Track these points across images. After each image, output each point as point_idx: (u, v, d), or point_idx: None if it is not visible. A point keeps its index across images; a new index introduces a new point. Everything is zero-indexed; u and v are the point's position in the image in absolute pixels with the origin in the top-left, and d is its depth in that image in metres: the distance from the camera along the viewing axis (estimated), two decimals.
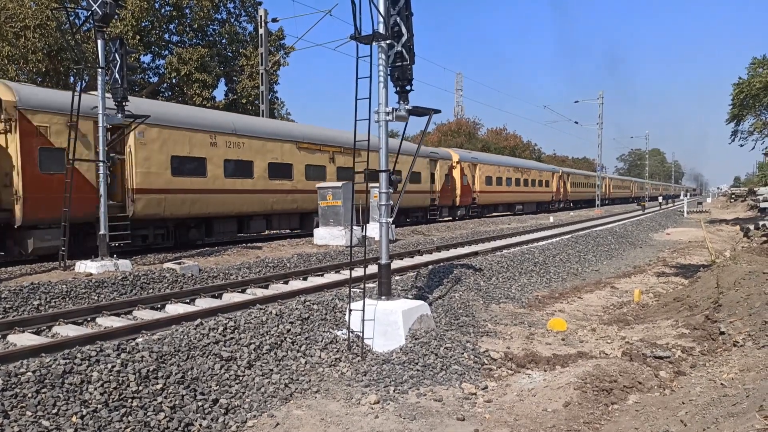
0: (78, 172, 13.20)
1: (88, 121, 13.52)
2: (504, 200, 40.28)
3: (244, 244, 17.59)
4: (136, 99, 16.39)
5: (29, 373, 5.20)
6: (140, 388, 5.48)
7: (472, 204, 35.03)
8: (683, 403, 5.20)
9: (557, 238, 21.07)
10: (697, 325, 8.23)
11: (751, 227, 22.09)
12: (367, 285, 7.93)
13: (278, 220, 20.24)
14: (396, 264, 13.41)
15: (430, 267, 13.01)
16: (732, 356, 6.33)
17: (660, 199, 65.57)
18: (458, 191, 32.86)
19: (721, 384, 5.46)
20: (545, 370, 6.89)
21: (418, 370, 6.73)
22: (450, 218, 32.96)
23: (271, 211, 19.49)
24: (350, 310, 7.76)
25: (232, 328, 7.05)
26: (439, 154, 31.73)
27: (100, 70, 12.58)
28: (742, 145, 36.99)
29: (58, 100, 13.67)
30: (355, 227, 9.32)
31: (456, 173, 32.74)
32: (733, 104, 33.20)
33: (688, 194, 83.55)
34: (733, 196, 76.06)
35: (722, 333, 7.31)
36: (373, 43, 7.66)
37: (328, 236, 18.18)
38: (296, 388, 6.28)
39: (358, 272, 11.49)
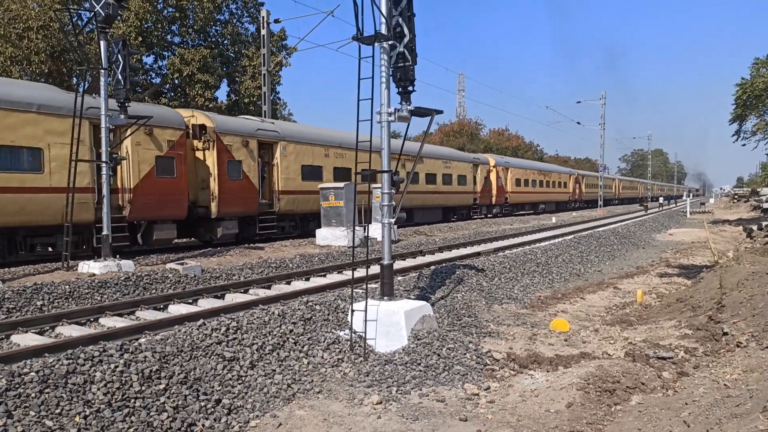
0: (246, 175, 18.20)
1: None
2: (530, 200, 44.99)
3: (246, 245, 17.61)
4: (283, 123, 23.43)
5: (32, 374, 5.21)
6: (143, 388, 5.49)
7: (505, 203, 39.57)
8: (686, 404, 5.19)
9: (560, 239, 21.04)
10: (700, 326, 8.21)
11: (754, 228, 22.04)
12: (369, 285, 7.94)
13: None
14: (398, 264, 13.41)
15: (433, 267, 13.01)
16: (735, 357, 6.31)
17: (661, 200, 63.18)
18: (494, 192, 37.53)
19: (725, 385, 5.45)
20: (548, 371, 6.88)
21: (420, 371, 6.73)
22: (487, 215, 37.34)
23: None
24: (353, 311, 7.76)
25: (234, 328, 7.06)
26: (480, 159, 36.79)
27: (102, 71, 12.62)
28: (744, 145, 36.91)
29: (237, 125, 18.66)
30: (357, 228, 9.34)
31: (492, 176, 37.44)
32: (735, 104, 33.15)
33: (691, 195, 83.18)
34: (736, 196, 75.94)
35: (725, 334, 7.29)
36: (376, 44, 7.66)
37: (331, 237, 18.20)
38: (299, 389, 6.29)
39: (360, 273, 11.50)
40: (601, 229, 26.35)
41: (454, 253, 16.74)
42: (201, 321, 7.21)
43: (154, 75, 33.82)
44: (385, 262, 7.96)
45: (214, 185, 17.22)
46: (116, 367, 5.59)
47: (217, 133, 17.36)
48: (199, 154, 17.42)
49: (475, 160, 35.64)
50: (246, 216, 18.56)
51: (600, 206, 51.80)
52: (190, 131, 16.94)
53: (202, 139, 17.17)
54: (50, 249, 13.88)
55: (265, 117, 25.56)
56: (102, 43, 12.57)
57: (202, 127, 17.15)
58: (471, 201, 34.39)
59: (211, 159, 17.31)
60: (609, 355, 7.54)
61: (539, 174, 46.52)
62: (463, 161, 33.82)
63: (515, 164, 42.52)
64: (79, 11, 22.60)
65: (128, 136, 14.07)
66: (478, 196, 35.13)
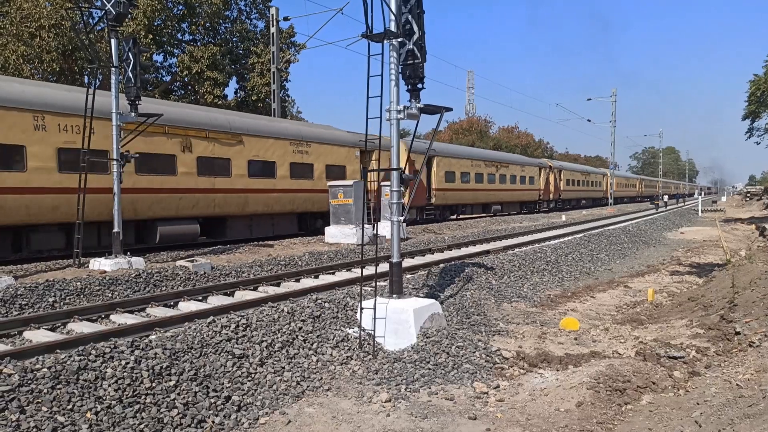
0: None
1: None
2: (576, 197, 54.18)
3: (255, 242, 17.66)
4: (439, 144, 32.42)
5: (45, 370, 5.25)
6: (153, 384, 5.52)
7: (558, 199, 48.65)
8: (698, 404, 5.15)
9: (569, 237, 20.93)
10: (711, 325, 8.14)
11: (767, 226, 21.80)
12: (378, 283, 7.93)
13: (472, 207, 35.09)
14: (407, 262, 13.40)
15: (442, 266, 12.98)
16: (748, 357, 6.25)
17: (666, 198, 59.51)
18: (552, 189, 46.36)
19: (737, 385, 5.39)
20: (558, 370, 6.85)
21: (429, 369, 6.72)
22: (547, 210, 46.03)
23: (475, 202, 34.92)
24: (362, 309, 7.76)
25: (244, 325, 7.09)
26: (542, 163, 46.56)
27: (113, 69, 12.68)
28: (758, 143, 36.52)
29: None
30: (366, 226, 9.34)
31: (551, 177, 46.42)
32: (748, 101, 32.80)
33: (702, 193, 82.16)
34: (748, 194, 75.17)
35: (738, 333, 7.22)
36: (385, 42, 7.64)
37: (340, 234, 18.21)
38: (308, 386, 6.30)
39: (369, 270, 11.50)
40: (611, 227, 26.18)
41: (464, 251, 16.70)
42: (211, 318, 7.24)
43: (164, 73, 34.02)
44: (394, 260, 7.95)
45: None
46: (127, 363, 5.63)
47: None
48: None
49: (541, 163, 45.65)
50: (419, 207, 28.35)
51: (610, 204, 51.62)
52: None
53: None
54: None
55: (274, 115, 25.62)
56: (113, 41, 12.64)
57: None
58: (536, 197, 43.69)
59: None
60: (619, 354, 7.49)
61: (582, 175, 55.82)
62: (531, 165, 43.51)
63: (566, 167, 52.10)
64: (90, 10, 22.77)
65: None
66: (542, 193, 44.40)
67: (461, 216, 34.26)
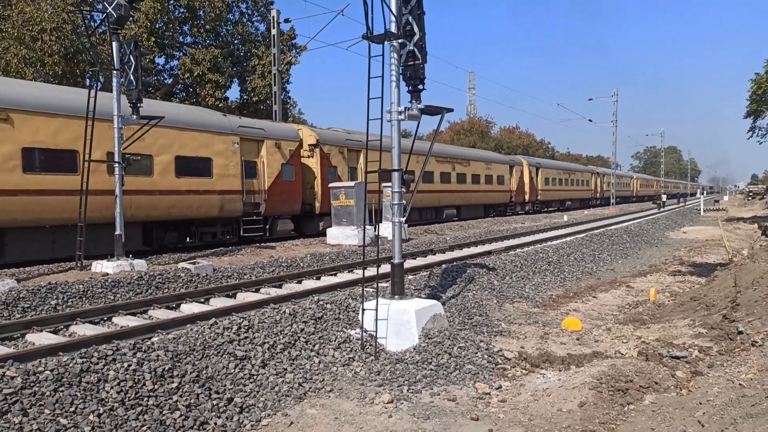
0: (340, 177, 21.82)
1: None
2: (557, 197, 48.35)
3: (257, 244, 17.68)
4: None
5: (47, 372, 5.26)
6: (156, 386, 5.53)
7: (536, 201, 43.57)
8: (701, 404, 5.14)
9: (571, 237, 20.91)
10: (714, 325, 8.12)
11: None
12: (380, 284, 7.93)
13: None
14: (409, 263, 13.39)
15: (444, 266, 12.98)
16: (750, 356, 6.24)
17: (663, 197, 59.18)
18: (527, 190, 41.68)
19: (740, 384, 5.38)
20: (560, 370, 6.84)
21: (431, 370, 6.72)
22: (523, 212, 42.08)
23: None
24: (363, 310, 7.76)
25: (246, 327, 7.09)
26: (514, 160, 41.01)
27: (115, 72, 12.71)
28: (760, 143, 36.44)
29: (334, 136, 22.49)
30: (367, 227, 9.34)
31: (527, 175, 41.43)
32: (750, 100, 32.75)
33: (705, 192, 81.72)
34: (750, 194, 75.01)
35: (740, 333, 7.21)
36: (385, 43, 7.65)
37: (341, 236, 18.21)
38: (310, 387, 6.30)
39: (371, 272, 11.50)
40: (613, 227, 26.15)
41: (465, 251, 16.69)
42: (213, 320, 7.25)
43: (166, 75, 34.07)
44: (396, 260, 7.95)
45: (317, 187, 21.17)
46: (129, 365, 5.63)
47: (320, 144, 21.17)
48: (305, 161, 21.00)
49: (512, 161, 40.09)
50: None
51: (612, 204, 51.54)
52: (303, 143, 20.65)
53: (309, 149, 21.12)
54: (212, 237, 17.41)
55: (275, 117, 25.64)
56: (114, 44, 12.66)
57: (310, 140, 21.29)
58: (507, 198, 39.11)
59: (316, 166, 21.21)
60: (622, 354, 7.48)
61: (565, 173, 50.28)
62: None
63: (545, 164, 47.06)
64: (92, 13, 22.82)
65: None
66: (514, 194, 39.62)
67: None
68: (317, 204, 21.07)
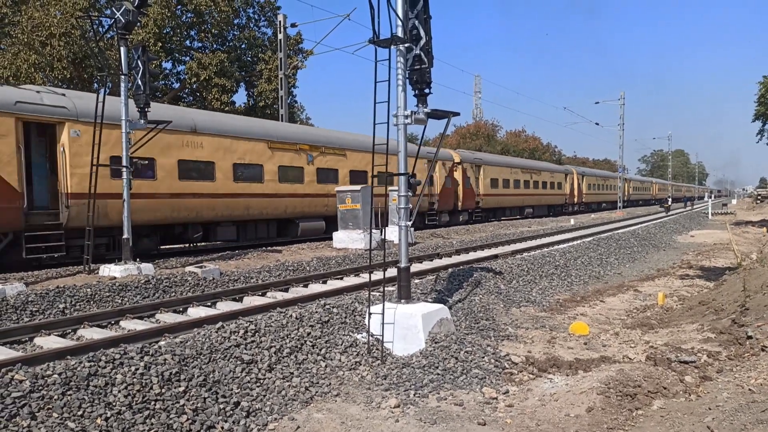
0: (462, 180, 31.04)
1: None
2: (597, 200, 58.64)
3: (264, 248, 17.71)
4: (489, 155, 39.91)
5: (55, 376, 5.29)
6: (163, 390, 5.54)
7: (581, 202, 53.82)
8: (710, 409, 5.09)
9: (578, 241, 20.84)
10: (723, 329, 8.06)
11: None
12: (386, 288, 7.93)
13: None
14: (415, 267, 13.38)
15: (450, 270, 12.96)
16: (760, 361, 6.19)
17: (669, 201, 55.10)
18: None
19: (749, 389, 5.34)
20: (567, 375, 6.81)
21: (438, 374, 6.70)
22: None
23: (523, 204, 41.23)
24: (370, 314, 7.76)
25: (252, 331, 7.10)
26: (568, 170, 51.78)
27: (123, 76, 12.79)
28: None
29: (467, 156, 33.10)
30: (374, 230, 9.34)
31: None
32: (758, 102, 32.56)
33: (713, 196, 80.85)
34: (759, 197, 74.47)
35: (749, 337, 7.15)
36: (392, 47, 7.66)
37: (347, 239, 18.22)
38: (316, 392, 6.30)
39: (377, 275, 11.49)
40: (620, 231, 26.03)
41: (472, 255, 16.65)
42: (220, 324, 7.26)
43: (173, 80, 34.26)
44: (402, 264, 7.94)
45: (460, 192, 30.89)
46: (137, 369, 5.65)
47: (462, 162, 31.09)
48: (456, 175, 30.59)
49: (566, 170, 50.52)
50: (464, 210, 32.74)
51: (619, 207, 51.38)
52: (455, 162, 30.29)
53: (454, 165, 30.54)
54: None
55: (282, 120, 25.72)
56: (122, 49, 12.75)
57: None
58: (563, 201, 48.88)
59: (459, 176, 30.71)
60: (630, 358, 7.44)
61: (600, 179, 59.95)
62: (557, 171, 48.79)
63: (589, 173, 57.86)
64: (100, 18, 23.00)
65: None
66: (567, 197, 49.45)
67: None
68: (459, 203, 30.81)
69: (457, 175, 31.16)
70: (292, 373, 6.53)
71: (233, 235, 18.16)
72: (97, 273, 12.17)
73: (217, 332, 6.91)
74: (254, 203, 18.39)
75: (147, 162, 14.90)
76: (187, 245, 18.50)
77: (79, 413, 5.00)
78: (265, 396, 6.03)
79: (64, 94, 14.12)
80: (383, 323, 7.40)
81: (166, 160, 15.70)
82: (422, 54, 7.83)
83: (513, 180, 38.81)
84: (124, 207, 12.67)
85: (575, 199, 50.92)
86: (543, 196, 44.52)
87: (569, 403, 5.78)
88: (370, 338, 7.47)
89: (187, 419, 5.29)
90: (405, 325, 7.48)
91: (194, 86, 31.57)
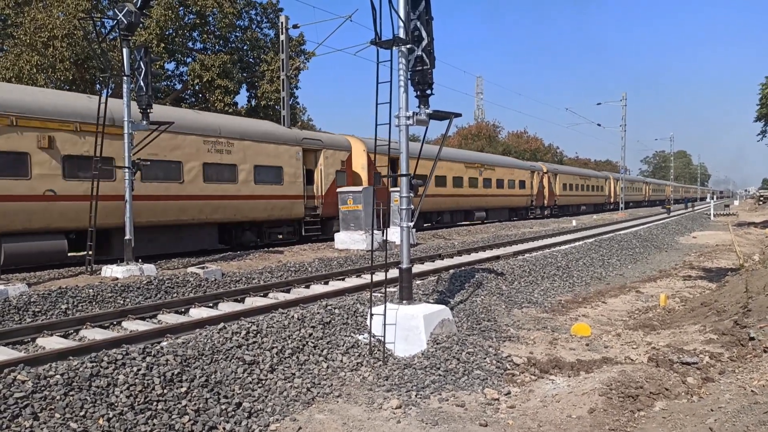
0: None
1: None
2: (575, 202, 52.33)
3: (266, 249, 17.73)
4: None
5: (57, 376, 5.30)
6: (165, 391, 5.55)
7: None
8: (712, 411, 5.09)
9: (580, 242, 20.82)
10: (725, 331, 8.05)
11: None
12: (388, 289, 7.93)
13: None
14: (417, 268, 13.38)
15: (452, 271, 12.95)
16: (762, 362, 6.18)
17: (670, 202, 57.17)
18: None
19: (752, 391, 5.33)
20: (569, 376, 6.80)
21: (440, 375, 6.70)
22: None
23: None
24: (372, 315, 7.76)
25: (254, 332, 7.11)
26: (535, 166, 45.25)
27: (125, 77, 12.82)
28: None
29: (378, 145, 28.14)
30: (375, 231, 9.35)
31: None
32: (761, 103, 32.52)
33: (715, 197, 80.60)
34: (761, 198, 74.30)
35: (752, 339, 7.14)
36: (394, 48, 7.67)
37: (349, 240, 18.23)
38: (318, 392, 6.30)
39: (379, 276, 11.50)
40: (622, 232, 26.00)
41: (473, 256, 16.65)
42: (221, 324, 7.27)
43: (176, 81, 34.33)
44: (404, 265, 7.95)
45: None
46: (139, 370, 5.66)
47: (367, 152, 23.63)
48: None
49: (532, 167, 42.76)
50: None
51: (621, 209, 51.35)
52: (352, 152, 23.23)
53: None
54: (279, 236, 19.67)
55: (284, 122, 25.76)
56: (124, 50, 12.78)
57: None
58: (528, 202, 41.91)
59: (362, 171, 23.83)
60: (632, 360, 7.43)
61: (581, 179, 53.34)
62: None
63: (563, 170, 49.96)
64: (103, 20, 23.07)
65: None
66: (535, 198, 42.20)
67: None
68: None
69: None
70: (294, 374, 6.53)
71: None
72: (99, 274, 12.19)
73: (218, 333, 6.92)
74: None
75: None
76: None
77: (82, 414, 5.01)
78: (266, 397, 6.03)
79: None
80: (385, 324, 7.40)
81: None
82: (424, 55, 7.83)
83: (451, 177, 29.69)
84: (126, 208, 12.70)
85: (545, 201, 43.23)
86: (501, 198, 36.37)
87: (571, 404, 5.78)
88: (372, 339, 7.47)
89: (189, 420, 5.30)
90: (407, 326, 7.49)
91: (197, 87, 31.62)
